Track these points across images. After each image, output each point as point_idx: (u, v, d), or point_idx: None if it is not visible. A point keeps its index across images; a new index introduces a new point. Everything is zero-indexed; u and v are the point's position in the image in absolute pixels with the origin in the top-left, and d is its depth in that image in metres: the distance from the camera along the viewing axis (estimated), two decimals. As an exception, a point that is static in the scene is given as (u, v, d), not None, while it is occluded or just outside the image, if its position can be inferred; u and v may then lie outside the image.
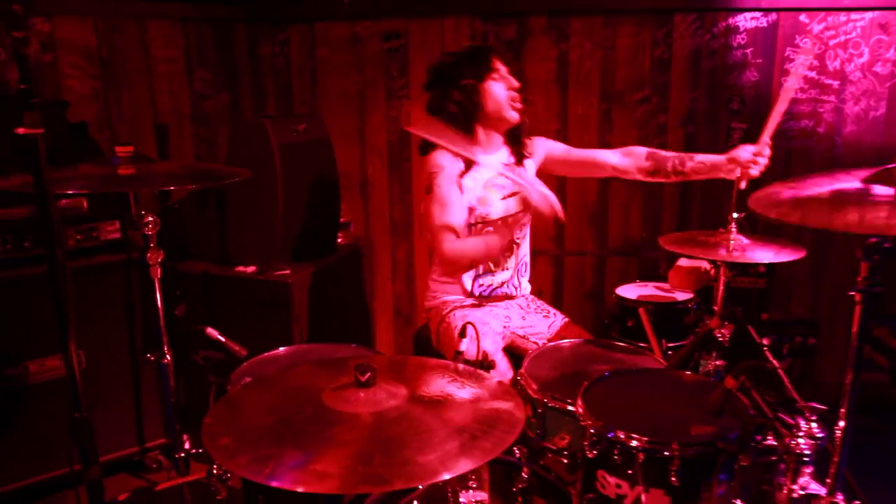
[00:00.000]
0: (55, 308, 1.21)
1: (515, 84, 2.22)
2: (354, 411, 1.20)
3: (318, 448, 1.11)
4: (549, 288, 3.33)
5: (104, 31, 2.84)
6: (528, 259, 2.41)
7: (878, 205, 1.23)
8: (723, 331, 2.02)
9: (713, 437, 1.40)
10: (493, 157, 2.27)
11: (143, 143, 2.98)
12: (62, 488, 2.38)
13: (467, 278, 2.29)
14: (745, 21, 2.91)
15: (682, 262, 2.54)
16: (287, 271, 2.58)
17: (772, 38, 2.90)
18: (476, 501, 1.47)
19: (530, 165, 2.36)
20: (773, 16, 2.89)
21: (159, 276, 1.91)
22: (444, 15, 3.15)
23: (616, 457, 1.45)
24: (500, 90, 2.19)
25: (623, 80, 3.07)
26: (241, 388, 1.48)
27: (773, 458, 1.54)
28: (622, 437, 1.43)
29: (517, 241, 2.33)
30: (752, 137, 3.01)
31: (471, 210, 2.20)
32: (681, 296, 2.49)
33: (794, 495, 1.51)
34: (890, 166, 1.33)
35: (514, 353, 2.24)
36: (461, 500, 1.46)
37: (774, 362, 2.10)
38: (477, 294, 2.29)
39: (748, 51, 2.94)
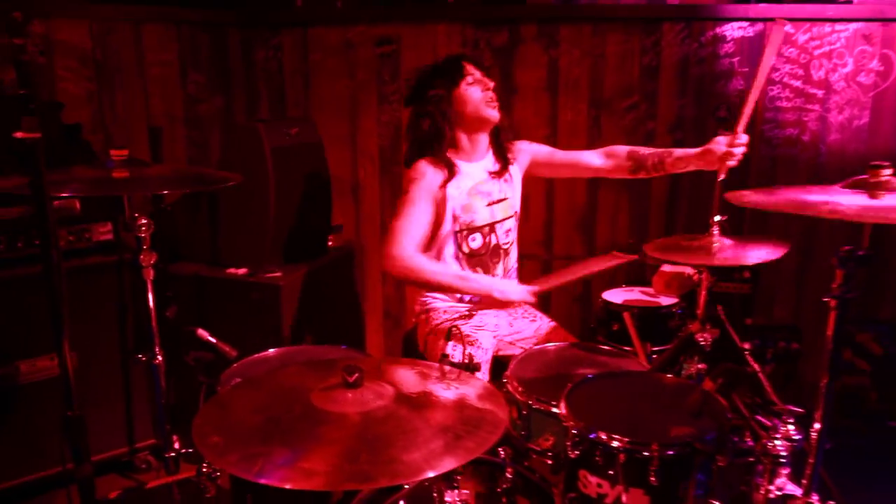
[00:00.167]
0: (50, 307, 1.23)
1: (490, 84, 2.24)
2: (342, 411, 1.23)
3: (307, 446, 1.14)
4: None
5: (99, 33, 2.86)
6: (515, 265, 2.45)
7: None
8: (705, 335, 2.05)
9: (691, 438, 1.44)
10: (478, 164, 2.30)
11: (136, 145, 3.00)
12: (52, 488, 2.40)
13: None
14: (732, 30, 2.97)
15: (666, 267, 2.57)
16: (278, 273, 2.61)
17: (758, 48, 2.95)
18: (461, 501, 1.50)
19: (515, 171, 2.39)
20: (760, 26, 2.94)
21: (152, 277, 1.93)
22: (435, 21, 3.19)
23: (598, 457, 1.48)
24: (474, 92, 2.22)
25: (612, 87, 3.12)
26: (231, 389, 1.51)
27: (751, 459, 1.59)
28: (604, 437, 1.47)
29: (504, 247, 2.36)
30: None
31: (454, 218, 2.24)
32: (665, 300, 2.53)
33: (771, 496, 1.55)
34: (863, 176, 1.37)
35: (502, 360, 2.27)
36: (446, 499, 1.50)
37: (755, 366, 2.14)
38: (468, 300, 2.32)
39: (735, 60, 2.99)
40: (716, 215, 2.03)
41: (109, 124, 2.93)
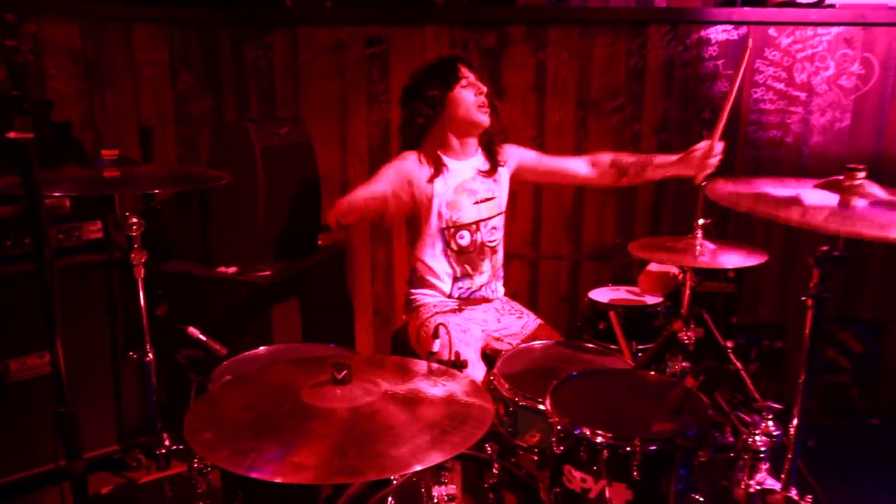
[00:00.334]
0: (42, 305, 1.25)
1: (483, 89, 2.27)
2: (331, 407, 1.25)
3: (296, 441, 1.16)
4: (524, 291, 3.41)
5: (89, 32, 2.86)
6: (502, 263, 2.48)
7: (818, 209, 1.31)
8: (688, 333, 2.10)
9: (673, 433, 1.47)
10: (467, 162, 2.34)
11: (126, 144, 3.00)
12: (43, 485, 2.41)
13: (447, 283, 2.35)
14: (717, 34, 3.01)
15: (652, 266, 2.61)
16: (268, 272, 2.63)
17: (742, 51, 2.99)
18: (448, 496, 1.53)
19: (504, 173, 2.42)
20: (744, 29, 2.99)
21: (143, 276, 1.95)
22: (425, 23, 3.21)
23: (582, 452, 1.52)
24: (468, 96, 2.25)
25: (599, 88, 3.15)
26: (222, 386, 1.53)
27: (732, 454, 1.63)
28: (588, 433, 1.50)
29: (489, 245, 2.39)
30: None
31: (439, 215, 2.27)
32: (650, 300, 2.57)
33: (751, 490, 1.59)
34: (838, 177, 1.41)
35: (490, 355, 2.31)
36: (434, 494, 1.53)
37: (738, 364, 2.18)
38: (456, 296, 2.36)
39: (719, 62, 3.03)
40: (699, 218, 2.08)
41: (99, 123, 2.93)
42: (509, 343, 2.30)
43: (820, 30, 2.93)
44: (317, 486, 1.55)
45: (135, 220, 1.92)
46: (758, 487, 1.58)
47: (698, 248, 2.06)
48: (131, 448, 2.63)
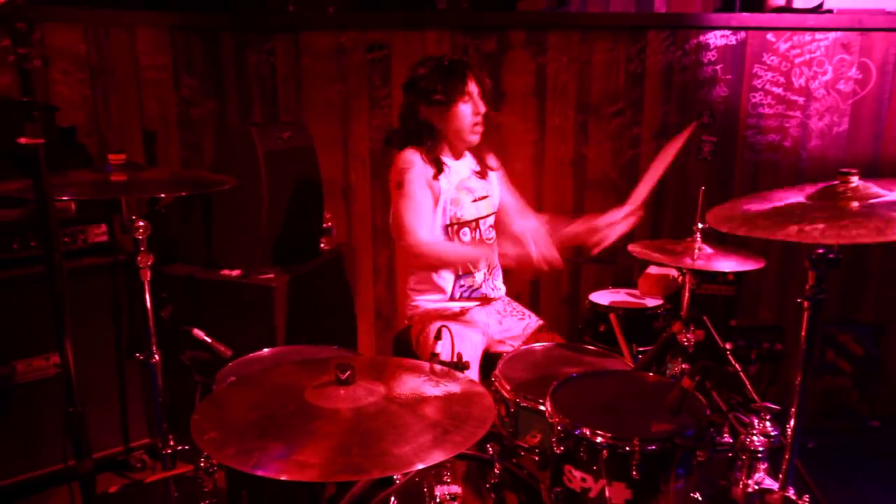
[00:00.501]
0: (52, 307, 1.28)
1: (482, 110, 2.30)
2: (335, 407, 1.28)
3: (301, 440, 1.18)
4: (526, 293, 3.43)
5: (94, 38, 2.90)
6: (497, 261, 2.50)
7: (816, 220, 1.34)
8: (688, 335, 2.11)
9: (671, 433, 1.49)
10: (462, 162, 2.38)
11: (130, 148, 3.03)
12: (49, 486, 2.43)
13: (448, 281, 2.36)
14: (716, 39, 3.03)
15: (652, 269, 2.63)
16: (271, 275, 2.65)
17: (740, 56, 3.02)
18: (450, 495, 1.55)
19: (494, 178, 2.47)
20: (742, 34, 3.01)
21: (149, 278, 1.98)
22: (426, 28, 3.24)
23: (582, 452, 1.54)
24: (466, 114, 2.27)
25: (598, 93, 3.18)
26: (227, 387, 1.55)
27: (730, 454, 1.65)
28: (588, 433, 1.52)
29: (488, 242, 2.43)
30: (722, 150, 3.15)
31: (444, 212, 2.30)
32: (651, 302, 2.59)
33: (750, 489, 1.61)
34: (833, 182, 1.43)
35: (491, 358, 2.33)
36: (436, 493, 1.55)
37: (736, 365, 2.20)
38: (458, 296, 2.37)
39: (718, 67, 3.06)
40: (698, 222, 2.10)
41: (104, 127, 2.96)
42: (511, 345, 2.32)
43: (818, 35, 2.95)
44: (320, 486, 1.57)
45: (141, 223, 1.94)
46: (756, 487, 1.60)
47: (697, 251, 2.09)
48: (136, 449, 2.65)
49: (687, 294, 2.16)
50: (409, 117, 2.31)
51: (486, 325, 2.37)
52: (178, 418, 2.19)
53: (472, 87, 2.29)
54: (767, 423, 1.61)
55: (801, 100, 3.03)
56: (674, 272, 2.55)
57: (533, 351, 2.13)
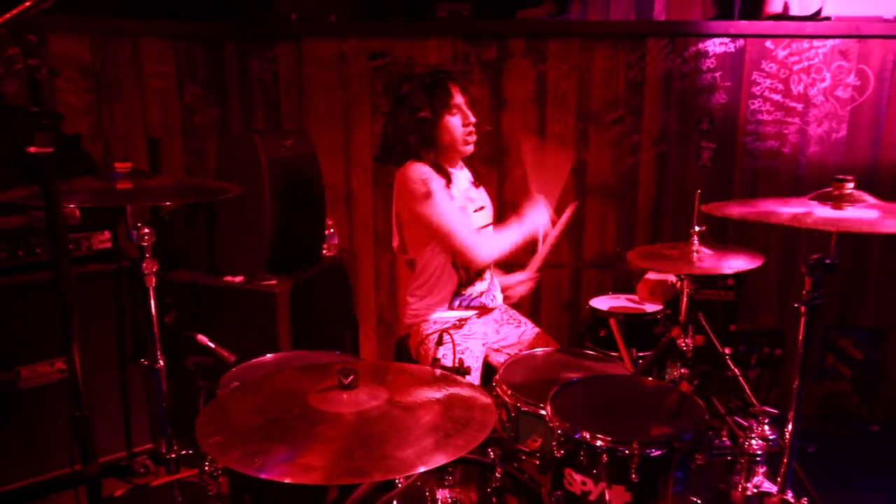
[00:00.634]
0: (60, 312, 1.30)
1: (472, 119, 2.29)
2: (338, 411, 1.29)
3: (305, 444, 1.20)
4: (526, 299, 3.44)
5: (98, 46, 2.93)
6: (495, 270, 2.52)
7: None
8: (686, 340, 2.13)
9: (670, 437, 1.51)
10: (461, 172, 2.40)
11: (134, 155, 3.06)
12: (54, 491, 2.44)
13: (447, 291, 2.36)
14: (715, 46, 3.06)
15: (650, 275, 2.65)
16: (273, 281, 2.67)
17: (739, 63, 3.05)
18: (452, 499, 1.56)
19: (483, 189, 2.49)
20: (741, 42, 3.03)
21: (154, 285, 2.00)
22: (427, 35, 3.27)
23: (582, 456, 1.55)
24: (456, 125, 2.27)
25: (598, 100, 3.20)
26: (231, 392, 1.57)
27: (729, 457, 1.66)
28: (587, 437, 1.54)
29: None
30: (722, 156, 3.17)
31: None
32: (650, 307, 2.61)
33: (748, 493, 1.63)
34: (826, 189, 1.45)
35: (489, 366, 2.35)
36: (438, 497, 1.56)
37: (735, 370, 2.21)
38: (457, 305, 2.38)
39: (717, 74, 3.08)
40: (696, 225, 2.12)
41: (108, 134, 2.99)
42: (507, 353, 2.33)
43: (816, 42, 2.98)
44: (323, 489, 1.59)
45: (146, 230, 1.97)
46: (755, 490, 1.62)
47: (694, 254, 2.10)
48: (139, 454, 2.67)
49: (685, 299, 2.18)
50: (402, 134, 2.28)
51: (483, 334, 2.38)
52: (182, 424, 2.20)
53: (459, 99, 2.27)
54: (766, 427, 1.63)
55: (799, 106, 3.05)
56: (672, 277, 2.57)
57: (534, 356, 2.15)
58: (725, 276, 2.88)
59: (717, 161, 3.16)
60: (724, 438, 1.68)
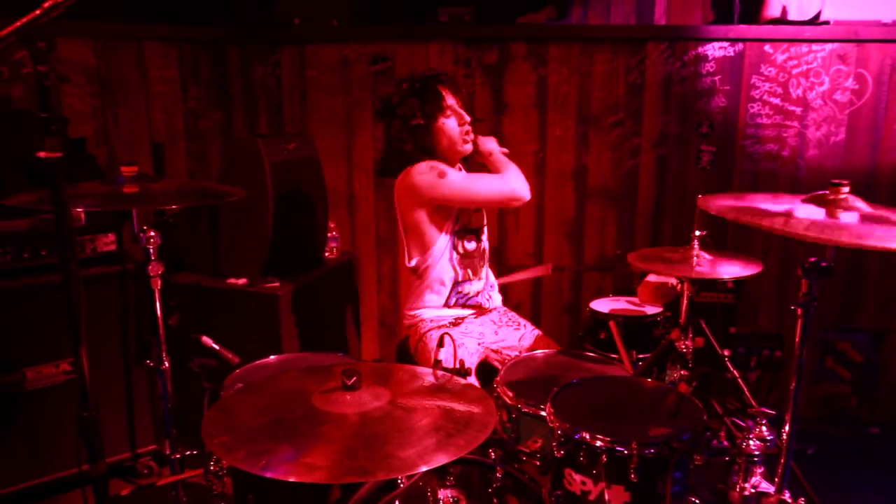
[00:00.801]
0: (68, 314, 1.32)
1: (467, 118, 2.31)
2: (341, 412, 1.31)
3: (308, 444, 1.22)
4: (527, 301, 3.47)
5: (103, 51, 2.95)
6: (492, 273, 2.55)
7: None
8: (686, 342, 2.15)
9: (668, 437, 1.53)
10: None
11: (139, 159, 3.09)
12: (58, 491, 2.46)
13: (445, 289, 2.38)
14: (714, 50, 3.08)
15: (651, 277, 2.67)
16: (276, 284, 2.69)
17: (738, 67, 3.07)
18: (453, 499, 1.58)
19: None
20: (740, 46, 3.06)
21: (159, 287, 2.02)
22: (429, 40, 3.29)
23: (581, 456, 1.57)
24: (452, 126, 2.29)
25: (599, 104, 3.23)
26: (235, 393, 1.59)
27: (727, 458, 1.68)
28: (587, 437, 1.56)
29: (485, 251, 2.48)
30: (721, 159, 3.19)
31: (456, 217, 2.34)
32: (650, 310, 2.62)
33: (746, 493, 1.64)
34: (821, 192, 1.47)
35: (487, 367, 2.36)
36: (439, 497, 1.58)
37: (734, 371, 2.23)
38: (453, 303, 2.39)
39: (716, 78, 3.10)
40: (696, 230, 2.14)
41: (113, 139, 3.02)
42: (506, 355, 2.34)
43: (814, 46, 3.00)
44: (326, 489, 1.61)
45: (152, 233, 1.99)
46: (752, 490, 1.64)
47: (695, 259, 2.12)
48: (143, 455, 2.69)
49: (685, 301, 2.20)
50: (399, 144, 2.30)
51: (481, 335, 2.40)
52: (186, 425, 2.23)
53: (450, 100, 2.29)
54: (764, 428, 1.65)
55: (798, 110, 3.07)
56: (672, 280, 2.59)
57: (534, 358, 2.17)
58: (724, 279, 2.89)
59: (716, 164, 3.18)
60: (722, 439, 1.69)
